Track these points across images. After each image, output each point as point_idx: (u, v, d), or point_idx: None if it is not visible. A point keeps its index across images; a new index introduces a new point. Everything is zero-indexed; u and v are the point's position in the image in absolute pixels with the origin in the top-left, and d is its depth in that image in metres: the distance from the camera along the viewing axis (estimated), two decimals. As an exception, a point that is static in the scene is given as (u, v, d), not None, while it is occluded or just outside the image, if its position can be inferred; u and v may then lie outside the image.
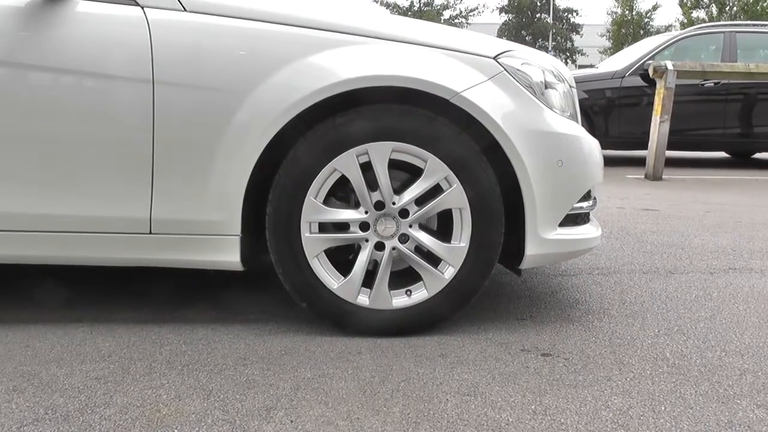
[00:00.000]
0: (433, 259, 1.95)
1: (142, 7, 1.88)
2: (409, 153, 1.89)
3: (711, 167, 7.75)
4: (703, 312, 2.23)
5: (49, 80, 1.85)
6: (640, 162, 6.92)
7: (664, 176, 6.50)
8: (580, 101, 8.32)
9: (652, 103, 6.42)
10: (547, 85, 2.03)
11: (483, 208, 1.91)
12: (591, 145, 2.06)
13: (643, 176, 6.62)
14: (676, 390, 1.61)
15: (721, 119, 7.21)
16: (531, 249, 1.95)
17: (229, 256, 1.91)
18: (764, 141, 7.44)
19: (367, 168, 1.89)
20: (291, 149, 1.87)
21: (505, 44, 2.07)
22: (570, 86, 2.18)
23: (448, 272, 1.94)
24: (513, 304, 2.28)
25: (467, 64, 1.93)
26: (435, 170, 1.89)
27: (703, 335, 2.00)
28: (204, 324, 2.02)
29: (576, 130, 2.02)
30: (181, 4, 1.89)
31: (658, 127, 6.14)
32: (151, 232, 1.90)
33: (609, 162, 8.48)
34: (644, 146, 6.58)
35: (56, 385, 1.59)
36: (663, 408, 1.52)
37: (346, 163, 1.87)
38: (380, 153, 1.87)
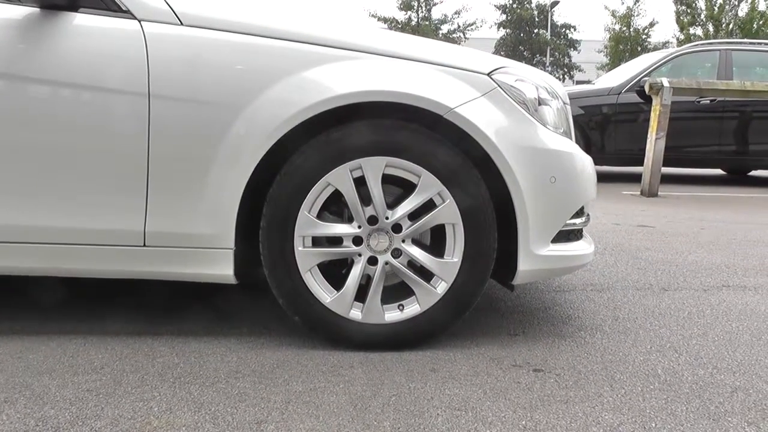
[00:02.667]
0: (426, 274, 1.95)
1: (140, 21, 1.90)
2: (403, 168, 1.90)
3: (707, 184, 7.78)
4: (696, 329, 2.23)
5: (44, 93, 1.86)
6: (636, 178, 6.96)
7: (660, 193, 6.53)
8: (577, 117, 8.31)
9: (648, 120, 6.47)
10: (540, 102, 2.05)
11: (476, 224, 1.92)
12: (584, 161, 2.08)
13: (639, 192, 6.65)
14: (667, 407, 1.61)
15: (717, 136, 7.26)
16: (523, 265, 1.96)
17: (222, 269, 1.91)
18: (760, 159, 7.49)
19: (360, 182, 1.90)
20: (285, 163, 1.88)
21: (499, 60, 2.09)
22: (564, 103, 2.20)
23: (441, 287, 1.94)
24: (505, 320, 2.28)
25: (461, 80, 1.95)
26: (428, 186, 1.90)
27: (695, 352, 2.01)
28: (197, 336, 2.03)
29: (569, 146, 2.04)
30: (177, 18, 1.91)
31: (654, 144, 6.18)
32: (145, 245, 1.90)
33: (605, 178, 8.43)
34: (640, 162, 6.61)
35: (48, 396, 1.59)
36: (654, 425, 1.52)
37: (340, 178, 1.88)
38: (374, 168, 1.89)
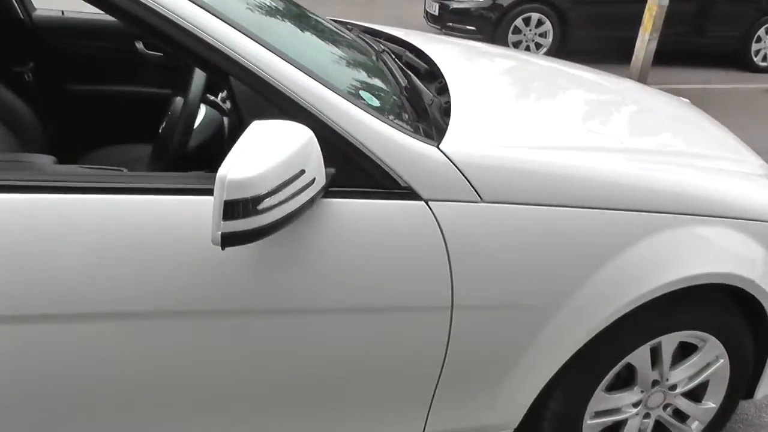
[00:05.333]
0: (683, 415, 2.00)
1: (426, 202, 1.44)
2: (693, 336, 1.84)
3: (698, 66, 7.90)
4: None
5: (325, 321, 1.46)
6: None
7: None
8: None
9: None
10: None
11: (739, 375, 1.96)
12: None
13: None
14: None
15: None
16: (760, 392, 2.04)
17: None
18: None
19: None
20: (589, 349, 1.72)
21: None
22: None
23: (695, 426, 2.02)
24: None
25: (754, 238, 1.79)
26: (712, 350, 1.88)
27: None
28: None
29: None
30: (476, 192, 1.47)
31: (646, 44, 6.13)
32: (423, 437, 1.73)
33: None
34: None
35: None
36: None
37: (640, 357, 1.79)
38: (671, 342, 1.81)
